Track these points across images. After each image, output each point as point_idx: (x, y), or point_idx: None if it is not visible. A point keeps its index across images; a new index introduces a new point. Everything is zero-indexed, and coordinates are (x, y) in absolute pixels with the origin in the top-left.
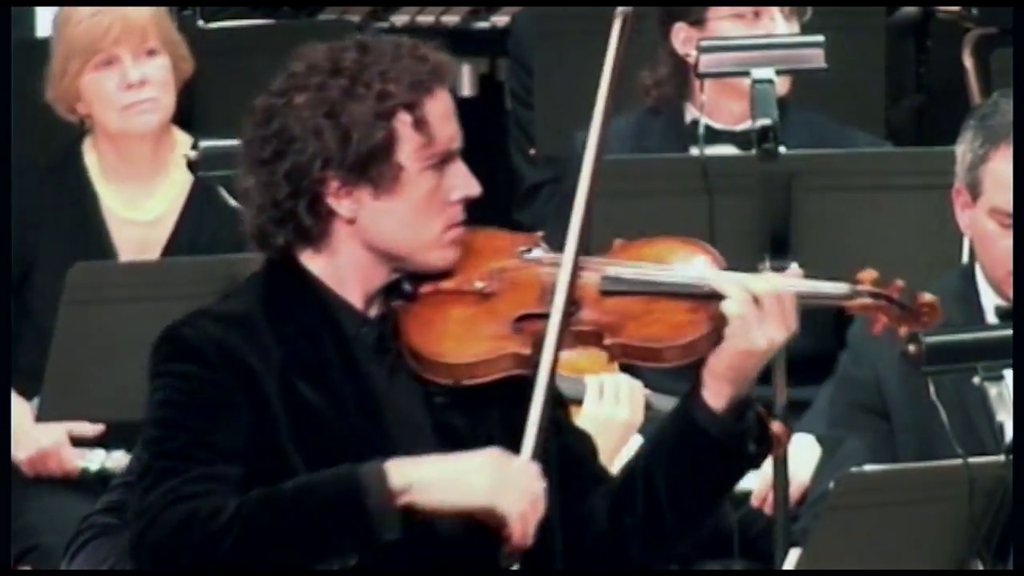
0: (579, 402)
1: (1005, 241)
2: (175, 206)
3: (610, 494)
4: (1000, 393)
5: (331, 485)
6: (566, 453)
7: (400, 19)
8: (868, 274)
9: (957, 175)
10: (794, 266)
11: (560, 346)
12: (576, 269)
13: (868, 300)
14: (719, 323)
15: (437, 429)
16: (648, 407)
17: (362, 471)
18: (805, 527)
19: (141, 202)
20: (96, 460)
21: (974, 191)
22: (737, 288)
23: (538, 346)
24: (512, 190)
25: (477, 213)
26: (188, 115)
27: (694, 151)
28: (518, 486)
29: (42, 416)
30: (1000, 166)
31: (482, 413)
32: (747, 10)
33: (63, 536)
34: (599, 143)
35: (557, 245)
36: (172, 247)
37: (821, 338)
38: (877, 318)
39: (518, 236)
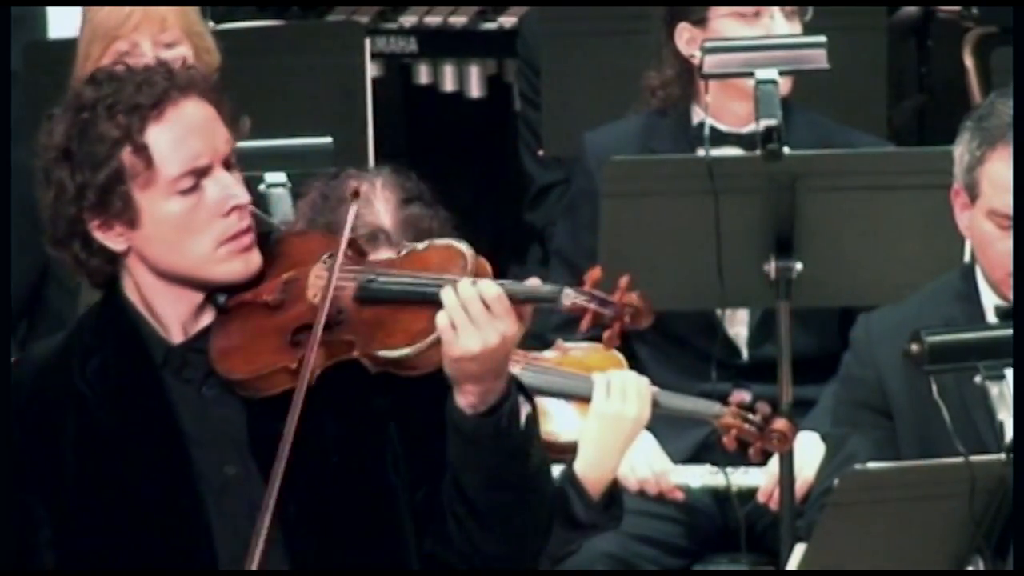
0: (587, 399)
1: (1003, 243)
2: None
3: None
4: (1001, 392)
5: None
6: (418, 451)
7: (408, 20)
8: (593, 274)
9: (955, 176)
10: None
11: (314, 357)
12: (332, 279)
13: (579, 299)
14: None
15: (256, 442)
16: (656, 404)
17: None
18: (810, 522)
19: None
20: None
21: (972, 193)
22: (445, 295)
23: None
24: (522, 191)
25: (488, 215)
26: None
27: (701, 152)
28: None
29: None
30: (997, 167)
31: (309, 414)
32: (747, 9)
33: None
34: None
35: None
36: None
37: (825, 338)
38: (584, 317)
39: (326, 241)
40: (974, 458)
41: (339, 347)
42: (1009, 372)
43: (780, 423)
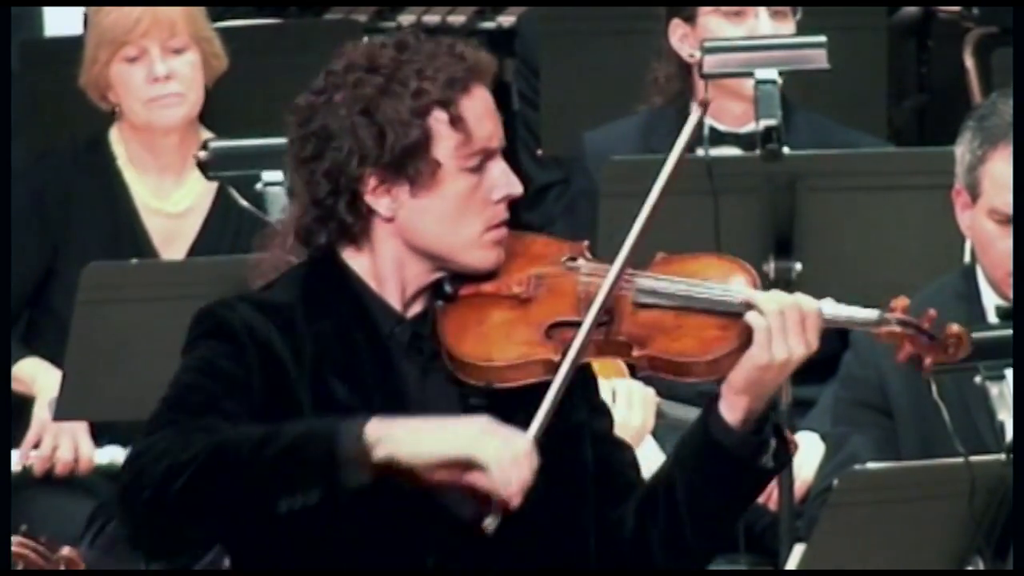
0: None
1: (1003, 242)
2: (202, 201)
3: (637, 503)
4: (1001, 392)
5: (309, 427)
6: (603, 463)
7: (406, 19)
8: (900, 302)
9: (957, 176)
10: (797, 265)
11: (586, 350)
12: (617, 280)
13: (896, 328)
14: (746, 339)
15: None
16: (660, 415)
17: (344, 420)
18: (810, 520)
19: (168, 193)
20: (108, 455)
21: (973, 192)
22: (764, 300)
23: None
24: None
25: None
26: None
27: (700, 152)
28: (501, 440)
29: (59, 415)
30: (998, 167)
31: (517, 417)
32: (732, 7)
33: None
34: (678, 157)
35: (600, 255)
36: (200, 243)
37: (826, 339)
38: (903, 346)
39: (564, 245)
40: (974, 458)
41: (613, 347)
42: (1009, 372)
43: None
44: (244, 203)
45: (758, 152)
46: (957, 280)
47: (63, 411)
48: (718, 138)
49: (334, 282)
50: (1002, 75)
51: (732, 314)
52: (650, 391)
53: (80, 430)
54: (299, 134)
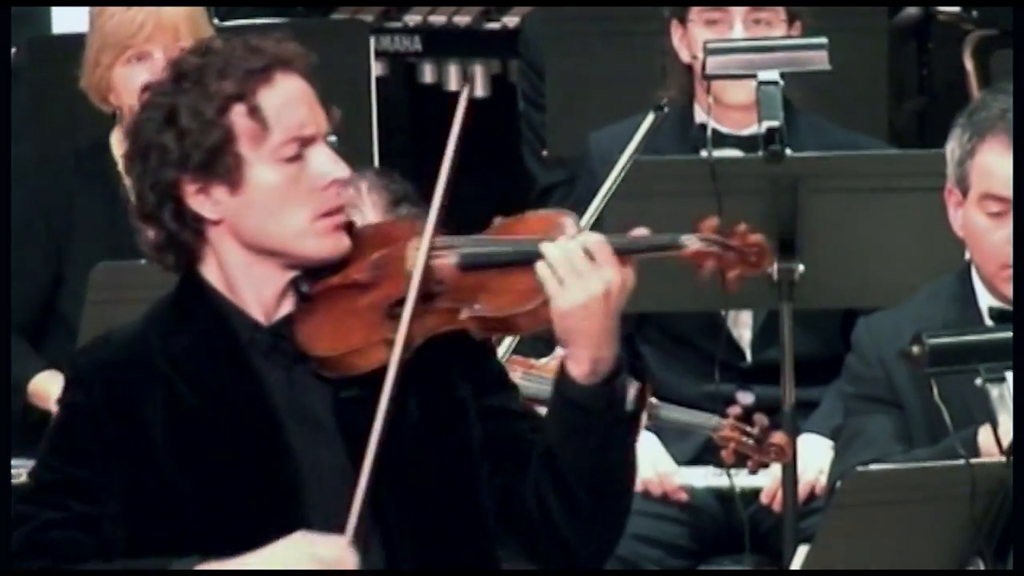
0: None
1: (994, 234)
2: None
3: (532, 478)
4: (1001, 394)
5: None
6: (498, 436)
7: (412, 19)
8: (708, 222)
9: (948, 175)
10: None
11: (418, 323)
12: (432, 249)
13: (701, 246)
14: None
15: (342, 427)
16: (655, 416)
17: (174, 566)
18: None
19: None
20: None
21: (963, 185)
22: (547, 249)
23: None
24: (525, 192)
25: (491, 215)
26: None
27: (703, 153)
28: (319, 561)
29: None
30: (988, 157)
31: (397, 398)
32: (711, 15)
33: None
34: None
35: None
36: None
37: (828, 341)
38: (703, 263)
39: (417, 225)
40: (975, 460)
41: (442, 316)
42: (1009, 374)
43: (777, 437)
44: None
45: (760, 154)
46: (952, 282)
47: None
48: (720, 140)
49: (193, 298)
50: (1001, 77)
51: (533, 263)
52: None
53: None
54: (127, 153)
